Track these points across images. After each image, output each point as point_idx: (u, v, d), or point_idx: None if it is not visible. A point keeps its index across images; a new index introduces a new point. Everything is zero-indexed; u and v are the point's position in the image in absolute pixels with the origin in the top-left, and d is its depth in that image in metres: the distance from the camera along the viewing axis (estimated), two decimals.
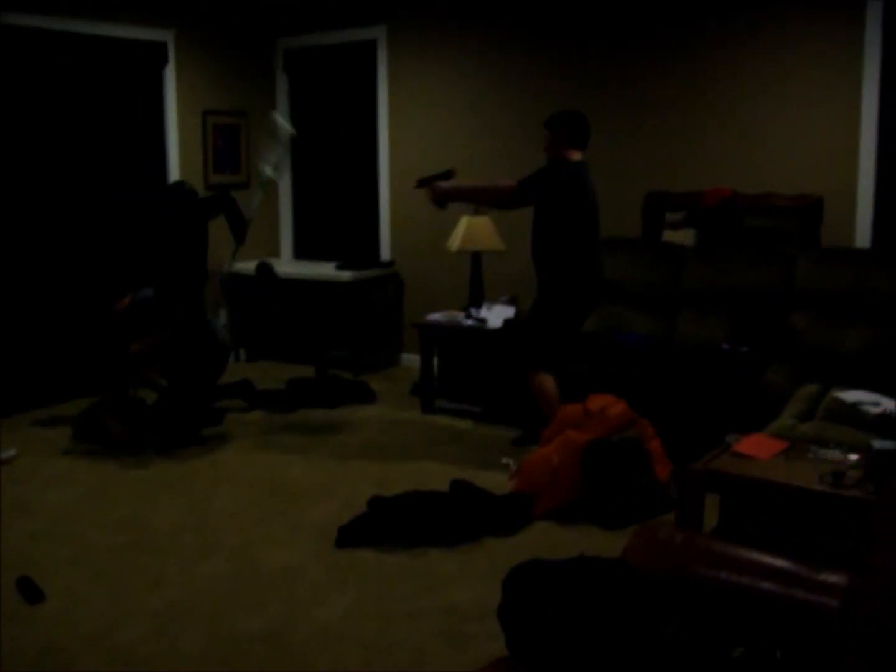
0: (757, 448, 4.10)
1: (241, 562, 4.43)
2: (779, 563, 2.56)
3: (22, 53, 6.63)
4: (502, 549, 4.51)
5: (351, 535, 4.57)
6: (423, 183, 5.57)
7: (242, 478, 5.50)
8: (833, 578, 2.41)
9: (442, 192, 5.48)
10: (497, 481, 5.28)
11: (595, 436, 4.89)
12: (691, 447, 4.53)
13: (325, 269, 7.86)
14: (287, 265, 8.24)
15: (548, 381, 5.50)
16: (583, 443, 4.83)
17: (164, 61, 7.57)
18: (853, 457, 3.93)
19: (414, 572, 4.29)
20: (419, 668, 3.56)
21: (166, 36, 7.53)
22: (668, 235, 6.48)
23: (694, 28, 6.29)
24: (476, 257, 6.76)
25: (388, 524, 4.62)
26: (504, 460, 5.55)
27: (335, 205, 8.53)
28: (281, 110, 8.49)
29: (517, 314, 6.52)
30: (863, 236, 5.95)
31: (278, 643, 3.73)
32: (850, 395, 4.56)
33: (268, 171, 6.32)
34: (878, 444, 3.72)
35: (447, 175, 5.58)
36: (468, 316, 6.65)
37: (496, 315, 6.53)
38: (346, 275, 7.57)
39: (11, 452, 5.93)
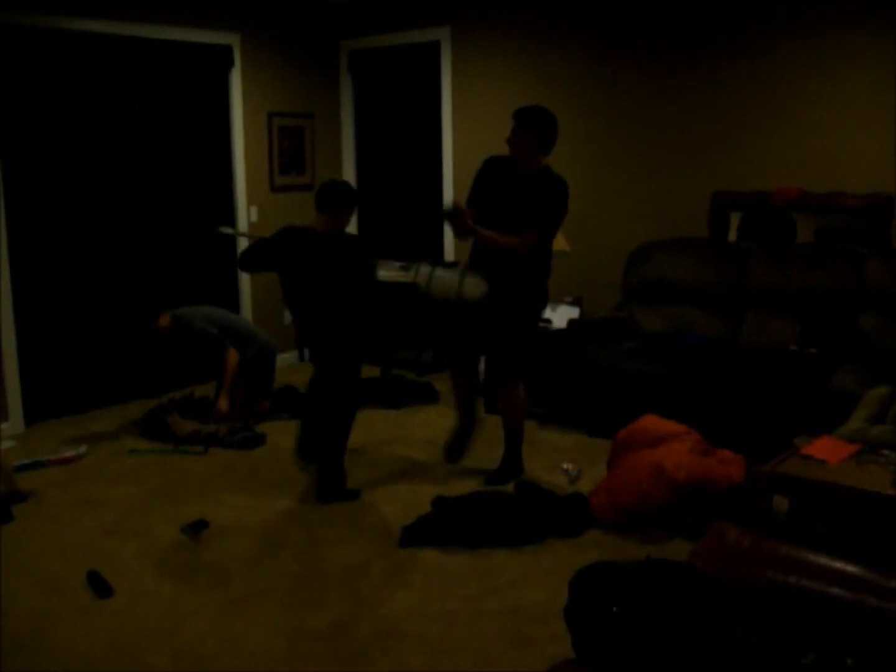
0: (826, 451, 4.04)
1: (306, 560, 4.45)
2: (849, 568, 2.51)
3: (90, 59, 6.74)
4: (566, 550, 4.49)
5: (415, 535, 4.58)
6: (451, 216, 5.28)
7: (305, 476, 5.53)
8: None
9: (470, 231, 5.22)
10: (561, 482, 5.26)
11: (689, 475, 4.61)
12: (759, 450, 4.47)
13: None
14: None
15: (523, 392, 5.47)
16: (679, 480, 4.59)
17: (230, 64, 7.64)
18: None
19: (477, 573, 4.28)
20: (482, 669, 3.55)
21: (232, 39, 7.60)
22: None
23: (761, 26, 6.20)
24: None
25: (451, 524, 4.62)
26: (563, 465, 5.51)
27: (399, 205, 8.55)
28: (345, 111, 8.55)
29: (582, 313, 6.50)
30: None
31: (341, 641, 3.74)
32: None
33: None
34: None
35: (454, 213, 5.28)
36: None
37: (561, 316, 6.50)
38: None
39: (81, 450, 6.03)
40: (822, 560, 2.56)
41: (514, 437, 5.53)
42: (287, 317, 8.27)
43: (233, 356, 6.50)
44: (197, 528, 4.79)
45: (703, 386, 5.59)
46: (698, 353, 5.83)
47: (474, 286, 5.17)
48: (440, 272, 5.28)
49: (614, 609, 2.38)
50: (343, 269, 5.08)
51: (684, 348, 5.90)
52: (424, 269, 5.27)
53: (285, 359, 8.26)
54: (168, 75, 7.27)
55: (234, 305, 7.71)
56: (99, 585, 4.18)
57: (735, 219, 6.42)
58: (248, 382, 6.63)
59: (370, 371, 7.53)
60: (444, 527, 4.61)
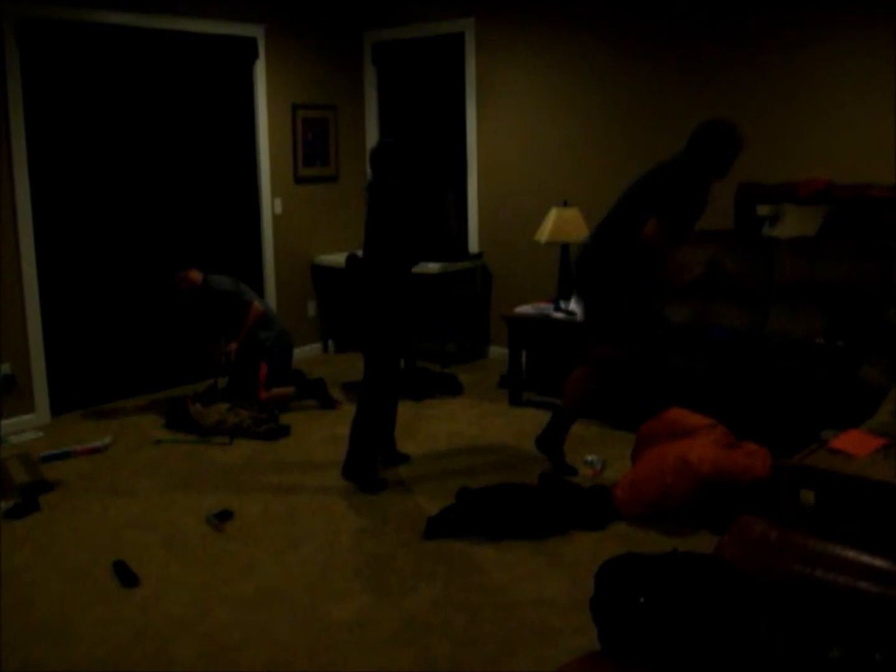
0: (854, 444, 4.00)
1: (331, 550, 4.46)
2: (877, 562, 2.49)
3: (115, 51, 6.76)
4: (590, 543, 4.48)
5: (439, 527, 4.58)
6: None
7: (330, 467, 5.54)
8: None
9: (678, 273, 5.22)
10: (585, 475, 5.25)
11: (714, 468, 4.58)
12: (787, 442, 4.45)
13: None
14: None
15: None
16: (704, 473, 4.56)
17: (255, 56, 7.65)
18: None
19: (502, 564, 4.28)
20: (507, 660, 3.55)
21: (256, 31, 7.61)
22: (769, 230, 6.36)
23: (788, 19, 6.16)
24: (565, 249, 6.70)
25: (476, 516, 4.62)
26: (587, 459, 5.49)
27: (423, 196, 8.52)
28: (369, 103, 8.55)
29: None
30: None
31: (366, 631, 3.75)
32: None
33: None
34: None
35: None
36: (557, 308, 6.61)
37: None
38: (434, 267, 7.57)
39: (107, 440, 6.07)
40: (850, 554, 2.54)
41: (559, 417, 5.49)
42: (312, 308, 8.30)
43: (256, 308, 6.70)
44: (222, 519, 4.82)
45: (729, 378, 5.56)
46: (724, 346, 5.80)
47: None
48: None
49: (641, 600, 2.37)
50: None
51: (710, 341, 5.88)
52: None
53: (309, 350, 8.28)
54: (193, 67, 7.29)
55: (259, 295, 7.73)
56: (125, 575, 4.21)
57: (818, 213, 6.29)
58: (270, 367, 6.68)
59: None
60: (468, 518, 4.61)
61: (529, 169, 7.58)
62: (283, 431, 6.18)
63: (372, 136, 8.59)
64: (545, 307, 6.74)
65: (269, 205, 7.87)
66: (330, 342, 8.46)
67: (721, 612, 2.35)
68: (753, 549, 2.64)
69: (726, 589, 2.41)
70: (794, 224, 6.23)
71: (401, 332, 5.28)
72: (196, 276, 6.71)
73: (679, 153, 5.08)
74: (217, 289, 6.68)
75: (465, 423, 6.34)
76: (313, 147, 8.20)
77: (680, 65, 6.66)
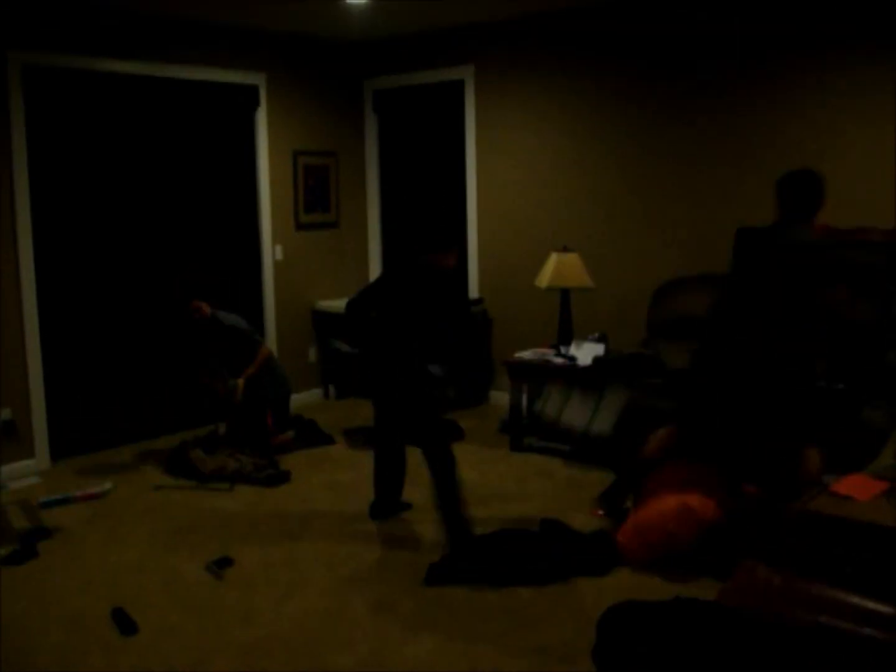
0: (856, 488, 3.98)
1: (331, 598, 4.43)
2: (881, 608, 2.48)
3: (118, 98, 6.82)
4: (592, 589, 4.44)
5: (441, 574, 4.55)
6: None
7: (331, 514, 5.52)
8: None
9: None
10: (587, 521, 5.22)
11: (716, 514, 4.58)
12: (789, 487, 4.42)
13: None
14: None
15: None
16: (709, 517, 4.56)
17: (256, 104, 7.71)
18: None
19: (503, 611, 4.25)
20: None
21: (258, 79, 7.68)
22: None
23: (786, 63, 6.21)
24: (565, 294, 6.72)
25: (477, 562, 4.59)
26: (599, 511, 5.45)
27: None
28: (370, 149, 8.61)
29: (607, 350, 6.48)
30: None
31: None
32: None
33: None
34: None
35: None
36: (557, 353, 6.61)
37: (586, 353, 6.47)
38: None
39: (106, 486, 6.04)
40: (854, 599, 2.53)
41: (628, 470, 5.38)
42: (312, 354, 8.30)
43: (266, 350, 6.76)
44: (221, 566, 4.78)
45: (730, 421, 5.53)
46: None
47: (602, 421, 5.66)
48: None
49: (643, 649, 2.35)
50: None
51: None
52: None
53: (310, 396, 8.27)
54: (195, 115, 7.35)
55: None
56: (124, 622, 4.17)
57: None
58: (273, 413, 6.71)
59: None
60: (469, 565, 4.58)
61: (529, 214, 7.62)
62: (284, 477, 6.15)
63: (373, 183, 8.64)
64: (545, 352, 6.74)
65: (270, 251, 7.90)
66: (331, 388, 8.45)
67: (724, 660, 2.34)
68: (756, 595, 2.63)
69: (729, 636, 2.40)
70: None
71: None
72: (206, 308, 6.69)
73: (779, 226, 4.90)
74: (226, 323, 6.67)
75: (466, 469, 6.30)
76: (314, 193, 8.24)
77: (678, 111, 6.70)
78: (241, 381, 6.59)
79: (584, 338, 6.72)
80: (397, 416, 5.30)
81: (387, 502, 5.51)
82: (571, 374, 6.46)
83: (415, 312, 5.09)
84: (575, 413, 6.45)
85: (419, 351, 5.11)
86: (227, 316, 6.75)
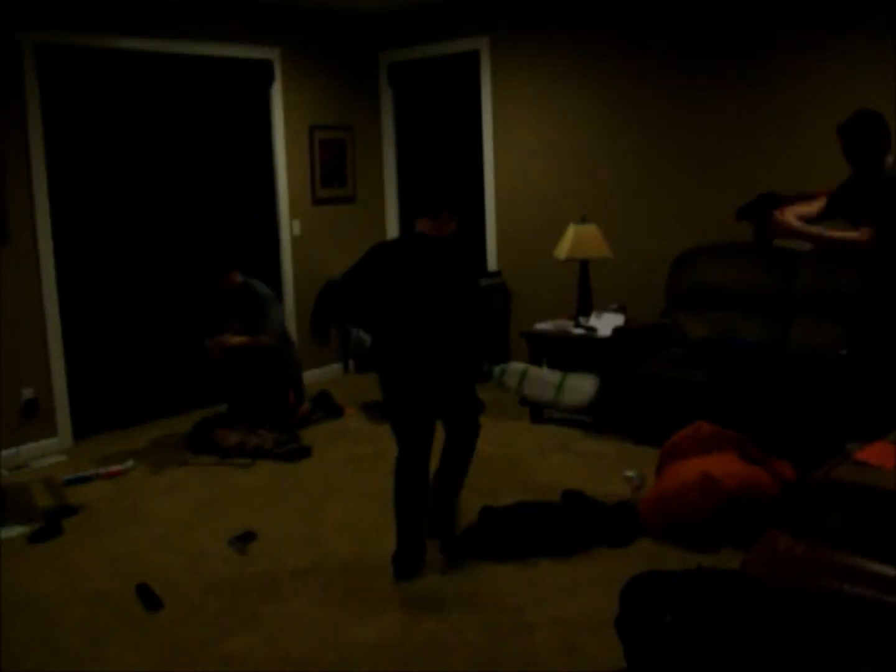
0: (880, 456, 3.95)
1: (354, 572, 4.44)
2: None
3: (133, 76, 6.82)
4: (614, 559, 4.44)
5: (463, 547, 4.54)
6: (744, 214, 4.94)
7: (353, 488, 5.53)
8: None
9: (783, 230, 4.85)
10: (608, 491, 5.21)
11: (739, 483, 4.53)
12: (812, 455, 4.40)
13: None
14: None
15: None
16: (729, 489, 4.50)
17: (271, 79, 7.69)
18: None
19: (525, 583, 4.25)
20: None
21: (272, 54, 7.65)
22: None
23: (805, 37, 6.14)
24: (584, 265, 6.69)
25: (499, 535, 4.59)
26: (626, 473, 5.45)
27: None
28: (385, 122, 8.57)
29: (627, 321, 6.45)
30: None
31: (389, 652, 3.73)
32: None
33: None
34: None
35: (770, 199, 4.88)
36: (577, 325, 6.59)
37: (605, 323, 6.45)
38: None
39: (129, 463, 6.08)
40: (877, 567, 2.51)
41: None
42: (332, 334, 8.28)
43: (268, 340, 6.60)
44: (244, 541, 4.81)
45: (751, 392, 5.52)
46: (745, 358, 5.76)
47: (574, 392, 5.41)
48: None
49: (667, 619, 2.34)
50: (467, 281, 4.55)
51: (731, 354, 5.84)
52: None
53: (330, 371, 8.28)
54: (210, 91, 7.33)
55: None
56: (148, 598, 4.20)
57: None
58: (294, 387, 6.81)
59: None
60: (491, 537, 4.58)
61: (547, 186, 7.58)
62: (305, 452, 6.17)
63: (389, 156, 8.61)
64: (565, 323, 6.72)
65: (288, 226, 7.89)
66: (350, 363, 8.45)
67: (748, 629, 2.33)
68: (780, 564, 2.61)
69: (753, 605, 2.39)
70: None
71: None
72: (236, 276, 6.67)
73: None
74: (257, 291, 6.64)
75: (486, 442, 6.27)
76: (330, 168, 8.22)
77: (697, 79, 6.65)
78: (231, 340, 6.53)
79: (603, 308, 6.70)
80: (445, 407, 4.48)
81: (416, 548, 4.43)
82: (591, 345, 6.44)
83: (427, 290, 4.29)
84: (536, 387, 6.45)
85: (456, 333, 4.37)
86: (262, 287, 6.72)
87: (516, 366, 6.64)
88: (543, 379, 6.31)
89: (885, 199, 4.59)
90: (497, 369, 6.65)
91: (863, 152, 4.69)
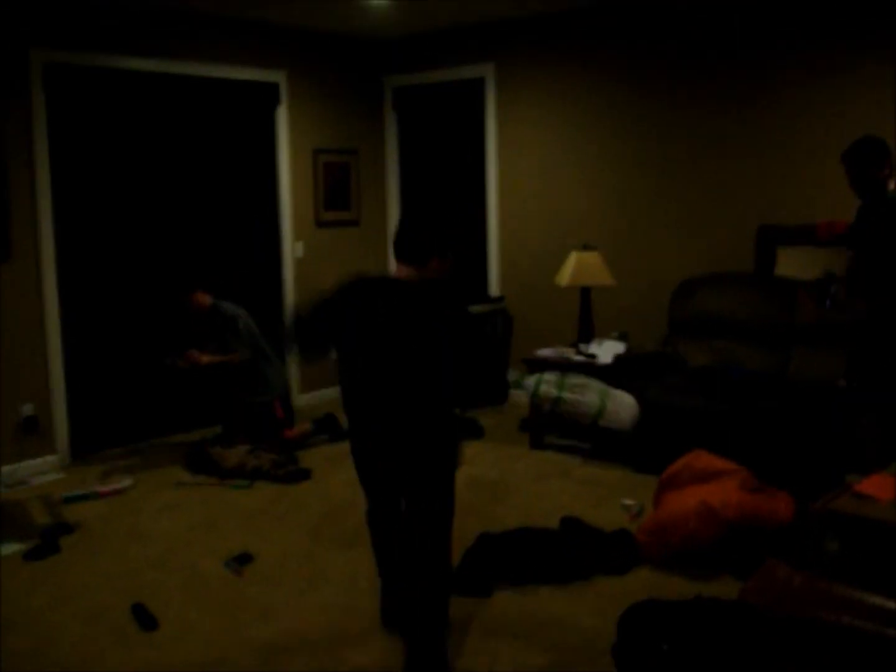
0: (880, 488, 3.95)
1: (350, 595, 4.43)
2: None
3: (139, 96, 6.85)
4: (613, 587, 4.43)
5: (463, 582, 4.47)
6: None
7: (351, 509, 5.52)
8: None
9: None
10: (607, 519, 5.20)
11: (738, 513, 4.52)
12: (811, 486, 4.40)
13: None
14: None
15: None
16: (728, 518, 4.49)
17: (277, 101, 7.72)
18: None
19: (523, 610, 4.23)
20: None
21: (278, 77, 7.69)
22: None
23: (806, 59, 6.18)
24: (585, 292, 6.71)
25: (497, 561, 4.57)
26: (625, 502, 5.44)
27: None
28: (390, 147, 8.61)
29: (628, 348, 6.45)
30: None
31: None
32: None
33: None
34: None
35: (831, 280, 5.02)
36: (578, 352, 6.59)
37: (606, 350, 6.46)
38: None
39: (127, 482, 6.07)
40: (876, 600, 2.51)
41: None
42: (334, 351, 8.27)
43: (237, 359, 6.62)
44: (241, 562, 4.79)
45: (751, 421, 5.52)
46: (745, 388, 5.76)
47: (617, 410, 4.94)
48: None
49: (664, 647, 2.34)
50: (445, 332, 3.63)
51: (731, 383, 5.84)
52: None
53: (330, 393, 8.27)
54: (216, 112, 7.37)
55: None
56: (143, 618, 4.18)
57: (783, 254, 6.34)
58: (282, 402, 6.83)
59: None
60: (489, 563, 4.56)
61: (550, 212, 7.61)
62: (304, 474, 6.16)
63: (393, 181, 8.64)
64: (565, 350, 6.72)
65: (291, 248, 7.91)
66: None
67: (745, 659, 2.32)
68: (778, 595, 2.60)
69: (750, 635, 2.38)
70: (815, 266, 6.21)
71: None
72: (205, 299, 6.73)
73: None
74: (225, 312, 6.68)
75: (486, 467, 6.31)
76: (334, 191, 8.24)
77: (701, 104, 6.68)
78: (202, 358, 6.58)
79: (604, 336, 6.71)
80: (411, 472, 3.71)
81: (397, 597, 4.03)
82: (592, 372, 6.44)
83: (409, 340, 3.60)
84: (578, 395, 6.12)
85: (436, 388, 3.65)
86: (230, 307, 6.74)
87: (550, 375, 6.25)
88: (585, 384, 6.07)
89: (890, 223, 4.67)
90: (531, 379, 6.19)
91: (865, 178, 4.79)
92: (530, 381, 6.04)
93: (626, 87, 7.05)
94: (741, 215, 6.53)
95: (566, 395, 6.00)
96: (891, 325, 4.78)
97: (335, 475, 6.18)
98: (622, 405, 5.99)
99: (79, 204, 6.61)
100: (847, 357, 5.48)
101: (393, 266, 3.84)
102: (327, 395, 8.14)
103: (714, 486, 4.72)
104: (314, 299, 4.01)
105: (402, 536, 3.78)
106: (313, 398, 8.03)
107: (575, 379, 6.10)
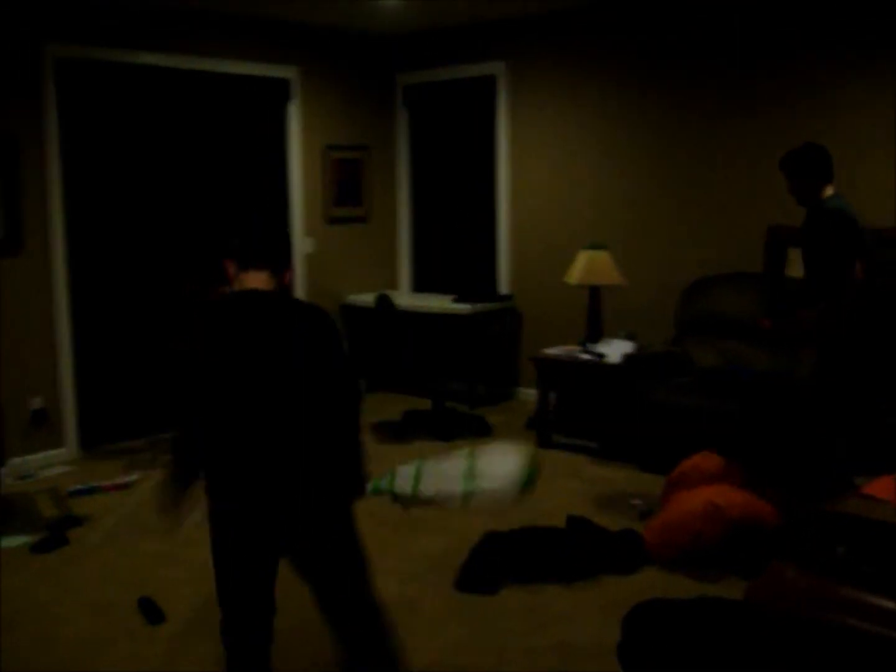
0: (888, 491, 3.95)
1: None
2: None
3: (151, 91, 6.87)
4: (618, 587, 4.43)
5: (470, 580, 4.48)
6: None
7: (359, 507, 5.51)
8: None
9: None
10: (613, 518, 5.20)
11: (743, 513, 4.53)
12: (818, 487, 4.40)
13: (442, 302, 7.89)
14: (405, 297, 8.30)
15: None
16: (733, 518, 4.50)
17: (288, 97, 7.73)
18: None
19: (529, 608, 4.24)
20: None
21: (290, 73, 7.70)
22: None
23: (816, 59, 6.16)
24: (594, 291, 6.70)
25: (503, 559, 4.58)
26: (633, 501, 5.44)
27: (453, 238, 8.57)
28: (401, 144, 8.61)
29: (637, 348, 6.44)
30: None
31: None
32: None
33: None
34: None
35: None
36: (586, 350, 6.59)
37: (615, 350, 6.45)
38: (464, 308, 7.59)
39: (135, 476, 6.08)
40: (882, 602, 2.50)
41: None
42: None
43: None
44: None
45: (759, 422, 5.50)
46: (754, 388, 5.75)
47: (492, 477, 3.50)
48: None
49: (668, 648, 2.34)
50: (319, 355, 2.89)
51: (739, 383, 5.83)
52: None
53: None
54: (227, 107, 7.38)
55: None
56: (151, 611, 4.19)
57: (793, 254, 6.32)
58: None
59: (421, 403, 7.56)
60: (495, 561, 4.56)
61: (560, 211, 7.60)
62: None
63: (403, 177, 8.65)
64: (574, 349, 6.72)
65: (301, 244, 7.91)
66: (360, 382, 8.45)
67: (751, 660, 2.32)
68: (784, 596, 2.60)
69: (755, 636, 2.38)
70: None
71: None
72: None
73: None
74: None
75: None
76: (345, 188, 8.25)
77: (710, 104, 6.67)
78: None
79: (613, 335, 6.70)
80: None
81: None
82: (599, 372, 6.43)
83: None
84: (436, 482, 3.90)
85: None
86: None
87: (404, 468, 4.13)
88: (444, 470, 4.01)
89: (820, 228, 4.84)
90: (381, 480, 3.99)
91: (803, 187, 4.93)
92: (384, 480, 4.07)
93: (638, 87, 7.04)
94: (751, 215, 6.52)
95: (422, 488, 4.01)
96: (833, 329, 4.84)
97: None
98: (495, 475, 3.91)
99: (89, 198, 6.63)
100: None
101: (250, 278, 2.93)
102: None
103: (719, 487, 4.72)
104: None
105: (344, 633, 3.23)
106: None
107: (434, 466, 4.04)
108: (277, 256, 2.97)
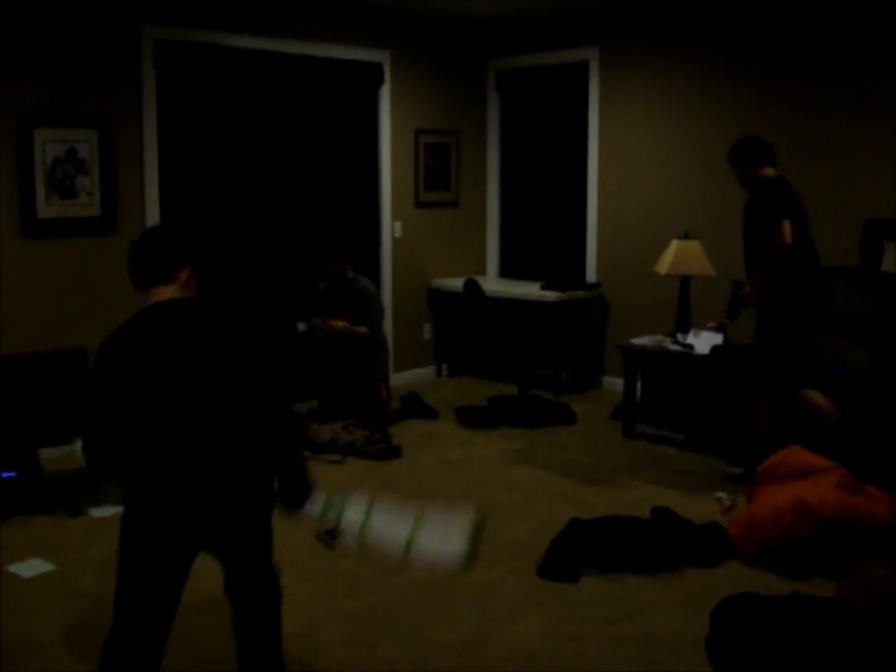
0: None
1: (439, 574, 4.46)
2: None
3: (246, 73, 6.96)
4: (702, 580, 4.38)
5: (553, 567, 4.49)
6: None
7: (441, 491, 5.55)
8: None
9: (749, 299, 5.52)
10: (698, 511, 5.15)
11: (835, 511, 4.40)
12: None
13: (530, 289, 7.86)
14: (493, 283, 8.28)
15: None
16: (824, 516, 4.39)
17: (381, 81, 7.77)
18: None
19: (611, 597, 4.22)
20: None
21: (382, 57, 7.73)
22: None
23: None
24: (685, 282, 6.62)
25: (587, 547, 4.56)
26: (717, 494, 5.39)
27: (542, 224, 8.53)
28: (491, 129, 8.61)
29: (725, 339, 6.35)
30: None
31: (472, 656, 3.74)
32: None
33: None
34: None
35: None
36: (675, 341, 6.52)
37: (704, 342, 6.37)
38: (551, 295, 7.56)
39: None
40: None
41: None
42: (427, 331, 8.35)
43: (366, 332, 6.83)
44: (333, 536, 4.83)
45: (853, 419, 5.40)
46: (849, 385, 5.65)
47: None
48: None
49: (761, 642, 2.31)
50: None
51: (833, 380, 5.73)
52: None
53: (423, 373, 8.33)
54: (320, 90, 7.45)
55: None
56: None
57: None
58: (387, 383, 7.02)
59: (506, 389, 7.57)
60: (579, 549, 4.55)
61: (650, 199, 7.53)
62: (395, 452, 6.21)
63: (493, 163, 8.65)
64: (662, 339, 6.65)
65: (390, 227, 7.96)
66: (444, 366, 8.49)
67: (842, 658, 2.28)
68: (876, 596, 2.56)
69: (851, 635, 2.34)
70: None
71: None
72: (344, 267, 6.91)
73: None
74: (365, 287, 6.91)
75: (577, 453, 6.29)
76: (435, 172, 8.27)
77: (805, 96, 6.54)
78: (337, 324, 6.80)
79: (702, 326, 6.62)
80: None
81: None
82: (687, 363, 6.36)
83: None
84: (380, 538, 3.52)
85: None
86: (370, 283, 7.00)
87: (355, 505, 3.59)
88: (390, 524, 3.54)
89: (756, 199, 5.39)
90: (329, 509, 3.59)
91: (748, 176, 5.46)
92: (333, 510, 3.59)
93: (732, 77, 6.93)
94: (848, 208, 6.38)
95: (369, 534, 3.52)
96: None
97: (426, 454, 6.23)
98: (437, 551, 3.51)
99: (183, 180, 6.74)
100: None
101: (151, 295, 3.18)
102: (411, 377, 8.22)
103: (810, 483, 4.63)
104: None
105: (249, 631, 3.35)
106: (411, 376, 8.09)
107: (383, 516, 3.54)
108: (154, 271, 3.19)
